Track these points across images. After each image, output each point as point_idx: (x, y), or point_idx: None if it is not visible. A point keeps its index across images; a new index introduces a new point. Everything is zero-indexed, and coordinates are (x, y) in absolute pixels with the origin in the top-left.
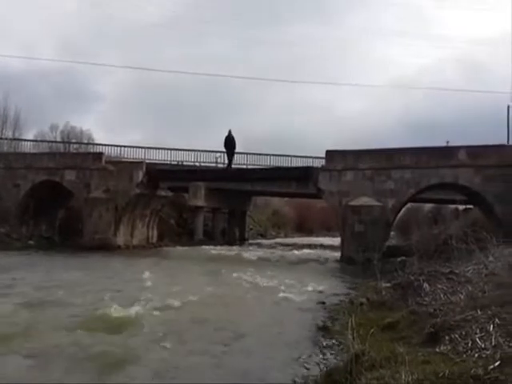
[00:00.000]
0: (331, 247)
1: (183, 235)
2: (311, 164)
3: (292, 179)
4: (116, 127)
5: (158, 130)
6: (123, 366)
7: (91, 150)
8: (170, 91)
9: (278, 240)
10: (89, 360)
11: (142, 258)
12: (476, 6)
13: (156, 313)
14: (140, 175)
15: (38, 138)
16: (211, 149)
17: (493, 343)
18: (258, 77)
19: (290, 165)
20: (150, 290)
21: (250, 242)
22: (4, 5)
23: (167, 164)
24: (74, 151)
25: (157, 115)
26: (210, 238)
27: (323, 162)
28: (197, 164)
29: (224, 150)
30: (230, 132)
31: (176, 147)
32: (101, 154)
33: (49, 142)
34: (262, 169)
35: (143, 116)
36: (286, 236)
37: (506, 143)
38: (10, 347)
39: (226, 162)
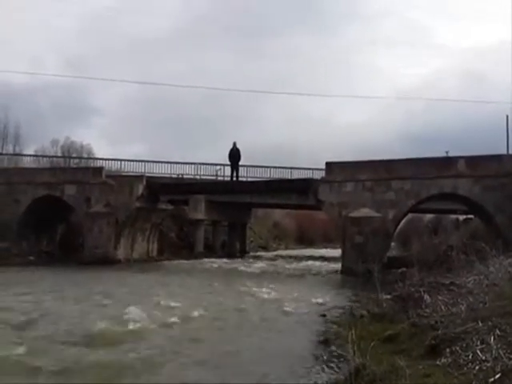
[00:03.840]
0: (332, 259)
1: (183, 248)
2: (311, 176)
3: (292, 191)
4: (117, 141)
5: (159, 143)
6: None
7: (91, 165)
8: (172, 105)
9: (279, 252)
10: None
11: (143, 272)
12: (475, 16)
13: (159, 328)
14: (140, 189)
15: (39, 153)
16: (214, 162)
17: (493, 355)
18: (259, 90)
19: (290, 177)
20: (154, 304)
21: (251, 254)
22: (5, 19)
23: (167, 177)
24: (75, 166)
25: (159, 129)
26: (210, 251)
27: (323, 173)
28: (197, 177)
29: (227, 162)
30: (234, 144)
31: (178, 160)
32: (101, 168)
33: (49, 157)
34: (262, 181)
35: (145, 130)
36: (286, 248)
37: (505, 153)
38: None
39: (229, 174)
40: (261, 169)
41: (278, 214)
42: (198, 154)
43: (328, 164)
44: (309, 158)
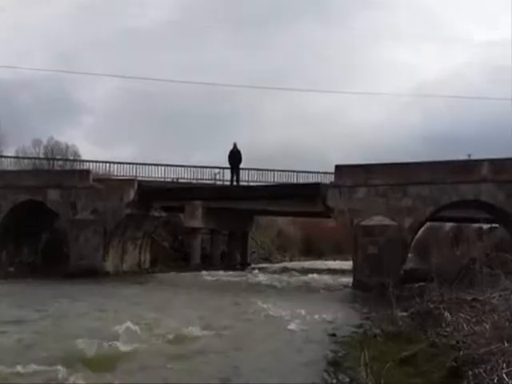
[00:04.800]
0: (342, 271)
1: (178, 259)
2: (319, 180)
3: (298, 197)
4: (105, 141)
5: (152, 144)
6: None
7: (77, 167)
8: (166, 102)
9: (284, 264)
10: None
11: (133, 285)
12: (502, 7)
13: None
14: (131, 194)
15: (20, 155)
16: (211, 164)
17: None
18: (262, 86)
19: (296, 181)
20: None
21: (253, 266)
22: None
23: (161, 182)
24: (59, 168)
25: (151, 128)
26: (208, 263)
27: (332, 177)
28: (194, 181)
29: (227, 165)
30: (235, 145)
31: (172, 163)
32: (88, 171)
33: (31, 158)
34: (265, 186)
35: (136, 129)
36: (292, 259)
37: None
38: None
39: (229, 178)
40: (264, 172)
41: (282, 222)
42: (195, 155)
43: (338, 167)
44: (316, 161)
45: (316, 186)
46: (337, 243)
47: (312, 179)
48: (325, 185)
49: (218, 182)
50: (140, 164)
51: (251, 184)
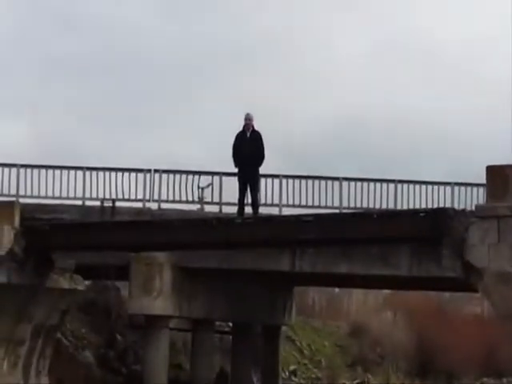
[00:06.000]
0: None
1: None
2: (438, 201)
3: (394, 241)
4: None
5: (64, 120)
6: None
7: None
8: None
9: None
10: None
11: None
12: None
13: None
14: (6, 236)
15: None
16: (192, 164)
17: None
18: None
19: (385, 205)
20: None
21: None
22: None
23: (75, 207)
24: None
25: (66, 83)
26: None
27: (478, 194)
28: (151, 206)
29: (227, 166)
30: (247, 120)
31: (105, 166)
32: None
33: None
34: (318, 216)
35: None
36: None
37: None
38: None
39: (237, 197)
40: (310, 182)
41: (358, 304)
42: (152, 144)
43: (491, 170)
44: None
45: (437, 214)
46: (486, 351)
47: (424, 201)
48: (458, 213)
49: (208, 208)
50: (30, 167)
51: (285, 212)
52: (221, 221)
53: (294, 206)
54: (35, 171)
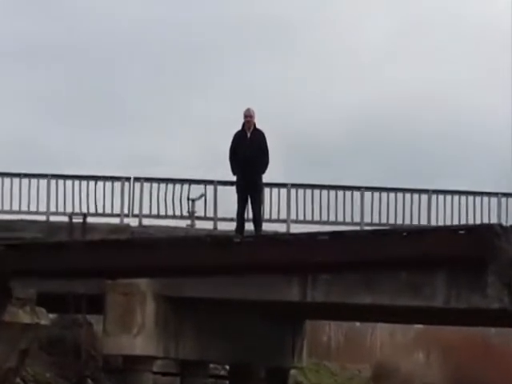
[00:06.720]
0: None
1: None
2: (487, 217)
3: (427, 265)
4: None
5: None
6: None
7: None
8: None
9: None
10: None
11: None
12: None
13: None
14: None
15: None
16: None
17: None
18: None
19: (413, 218)
20: None
21: None
22: None
23: (35, 223)
24: None
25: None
26: None
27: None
28: (129, 222)
29: (225, 175)
30: (247, 117)
31: (78, 173)
32: None
33: None
34: (333, 234)
35: None
36: None
37: None
38: None
39: (236, 210)
40: (326, 192)
41: (383, 341)
42: (138, 144)
43: None
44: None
45: (480, 231)
46: None
47: (453, 212)
48: (509, 230)
49: (200, 224)
50: None
51: (294, 229)
52: (215, 240)
53: (304, 221)
54: None
